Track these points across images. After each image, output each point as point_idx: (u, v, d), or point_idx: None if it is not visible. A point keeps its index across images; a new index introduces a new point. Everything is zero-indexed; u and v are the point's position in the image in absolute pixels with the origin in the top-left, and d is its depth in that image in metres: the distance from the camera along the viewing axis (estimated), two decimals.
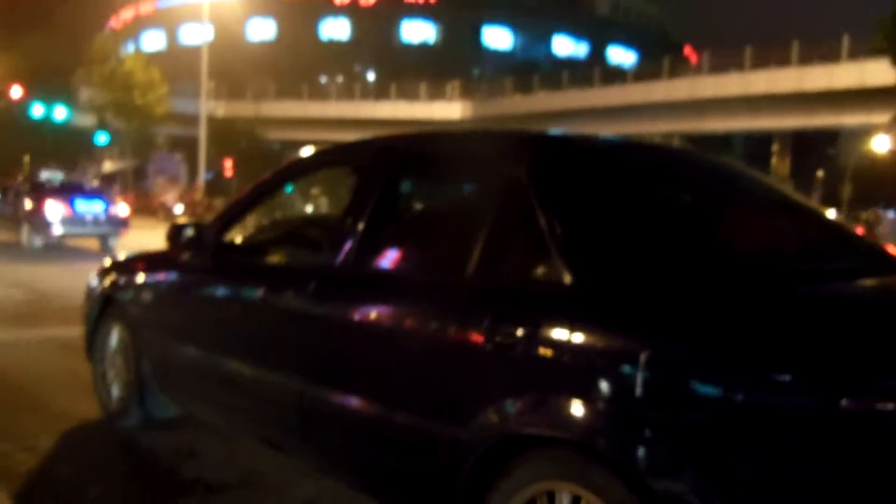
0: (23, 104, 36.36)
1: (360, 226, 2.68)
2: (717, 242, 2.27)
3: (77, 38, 40.23)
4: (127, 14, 62.46)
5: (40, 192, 15.01)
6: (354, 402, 2.51)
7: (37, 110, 34.80)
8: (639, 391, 1.76)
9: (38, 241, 14.11)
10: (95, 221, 14.49)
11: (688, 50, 56.32)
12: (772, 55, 32.51)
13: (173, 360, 3.43)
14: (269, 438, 3.01)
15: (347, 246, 2.68)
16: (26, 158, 42.30)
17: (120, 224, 14.73)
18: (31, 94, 35.57)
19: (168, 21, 58.01)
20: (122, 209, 15.07)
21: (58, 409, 4.04)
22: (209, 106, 34.18)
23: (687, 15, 72.73)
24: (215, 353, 3.16)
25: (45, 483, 3.09)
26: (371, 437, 2.47)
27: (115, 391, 3.81)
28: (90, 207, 14.50)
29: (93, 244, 14.66)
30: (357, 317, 2.56)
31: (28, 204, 14.35)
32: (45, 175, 20.87)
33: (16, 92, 37.60)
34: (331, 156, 3.31)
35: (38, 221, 14.03)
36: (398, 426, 2.35)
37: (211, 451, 3.47)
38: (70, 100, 36.36)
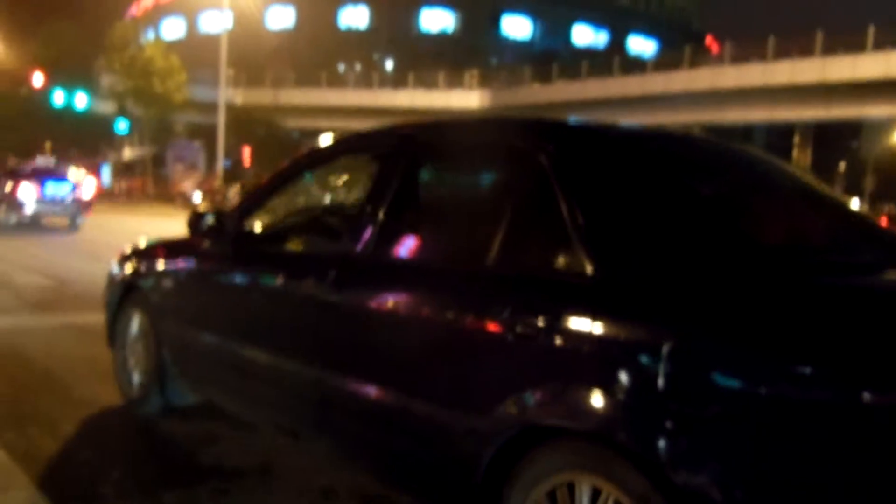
0: (44, 91, 36.70)
1: (380, 214, 2.67)
2: (741, 232, 2.24)
3: (98, 26, 40.43)
4: (147, 1, 62.73)
5: (16, 176, 16.72)
6: (372, 391, 2.51)
7: (58, 97, 35.09)
8: (661, 383, 1.75)
9: (13, 219, 16.08)
10: (62, 203, 16.60)
11: (709, 40, 55.76)
12: (794, 45, 32.10)
13: (193, 347, 3.45)
14: (287, 426, 3.03)
15: (367, 234, 2.68)
16: (48, 145, 42.69)
17: (85, 205, 16.93)
18: (53, 81, 35.87)
19: (188, 8, 58.10)
20: (86, 192, 17.12)
21: (80, 394, 4.09)
22: (228, 94, 34.31)
23: (708, 4, 71.90)
24: (234, 341, 3.18)
25: (68, 467, 3.13)
26: (389, 427, 2.47)
27: (136, 378, 3.84)
28: (58, 190, 16.58)
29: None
30: (376, 305, 2.57)
31: (7, 187, 16.18)
32: (41, 161, 22.53)
33: (38, 79, 37.92)
34: (350, 144, 3.30)
35: (13, 202, 16.00)
36: (417, 416, 2.35)
37: (230, 438, 3.49)
38: (91, 87, 36.64)
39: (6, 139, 41.41)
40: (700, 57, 38.71)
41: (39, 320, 6.19)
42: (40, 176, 16.82)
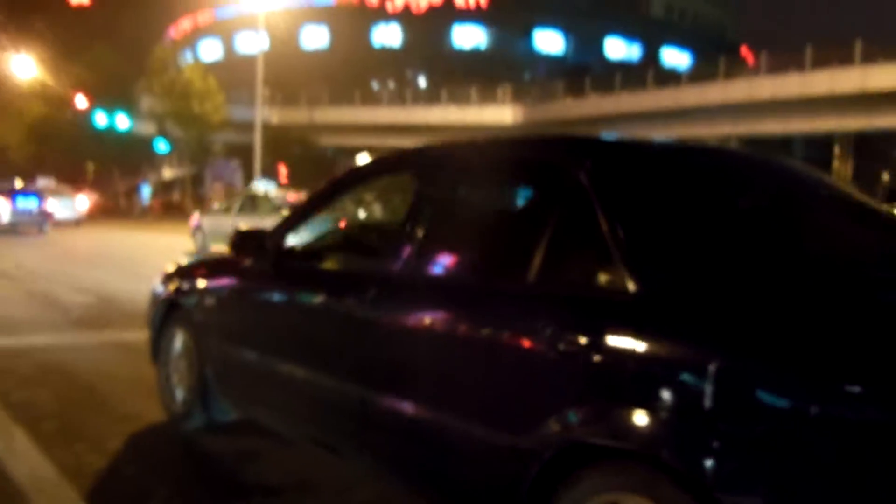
0: (87, 114, 37.76)
1: (420, 232, 2.69)
2: (788, 248, 2.21)
3: (139, 50, 41.48)
4: (185, 24, 64.15)
5: None
6: (413, 408, 2.52)
7: (100, 119, 36.07)
8: (708, 402, 1.73)
9: None
10: (30, 214, 21.99)
11: (744, 51, 55.16)
12: (833, 55, 31.60)
13: (234, 364, 3.50)
14: (328, 443, 3.05)
15: (406, 252, 2.70)
16: (90, 166, 43.80)
17: (48, 216, 22.40)
18: (96, 104, 36.90)
19: (225, 30, 59.35)
20: (49, 206, 22.73)
21: (125, 410, 4.16)
22: (264, 113, 34.83)
23: (743, 16, 71.20)
24: (275, 358, 3.22)
25: (115, 483, 3.19)
26: (431, 445, 2.48)
27: (179, 394, 3.90)
28: (27, 204, 22.03)
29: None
30: (416, 323, 2.58)
31: None
32: (41, 182, 28.49)
33: (81, 102, 39.02)
34: (389, 163, 3.34)
35: None
36: (458, 434, 2.35)
37: (271, 455, 3.52)
38: (132, 109, 37.58)
39: (52, 160, 42.57)
40: (735, 68, 38.32)
41: (87, 337, 6.33)
42: (14, 193, 22.20)
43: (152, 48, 40.30)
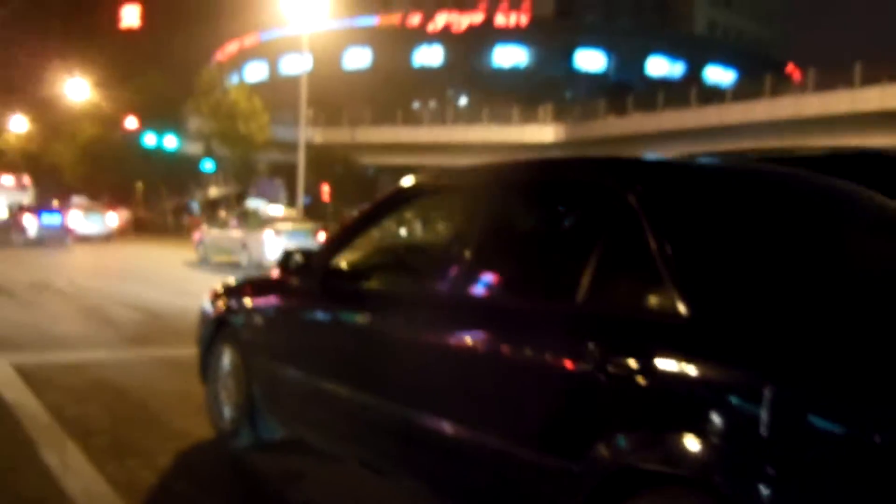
0: (137, 134, 38.84)
1: (466, 253, 2.70)
2: (845, 269, 2.16)
3: (186, 72, 42.54)
4: (232, 47, 65.59)
5: (24, 210, 25.82)
6: (459, 429, 2.51)
7: (149, 140, 37.04)
8: (763, 428, 1.70)
9: (21, 240, 24.30)
10: (54, 229, 24.83)
11: (790, 68, 54.29)
12: (883, 72, 30.91)
13: (281, 382, 3.53)
14: (374, 463, 3.05)
15: (453, 273, 2.71)
16: (139, 185, 44.90)
17: (69, 231, 25.32)
18: (145, 125, 37.96)
19: (270, 52, 60.49)
20: (74, 222, 26.11)
21: (174, 427, 4.23)
22: (308, 133, 35.34)
23: (788, 33, 70.08)
24: (321, 377, 3.24)
25: (166, 499, 3.24)
26: (476, 467, 2.47)
27: (227, 412, 3.95)
28: (51, 221, 25.15)
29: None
30: (462, 344, 2.58)
31: (15, 216, 25.98)
32: (76, 200, 33.36)
33: (131, 123, 40.12)
34: (435, 183, 3.36)
35: (20, 228, 24.82)
36: (505, 456, 2.34)
37: (317, 475, 3.54)
38: (179, 129, 38.51)
39: (103, 179, 43.76)
40: (781, 85, 37.71)
41: (136, 353, 6.46)
42: (39, 210, 25.76)
43: (200, 70, 41.27)
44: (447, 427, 2.56)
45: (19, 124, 59.02)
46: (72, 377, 5.39)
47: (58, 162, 47.22)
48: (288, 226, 17.68)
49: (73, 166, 45.44)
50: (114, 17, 75.47)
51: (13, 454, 3.67)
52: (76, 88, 46.36)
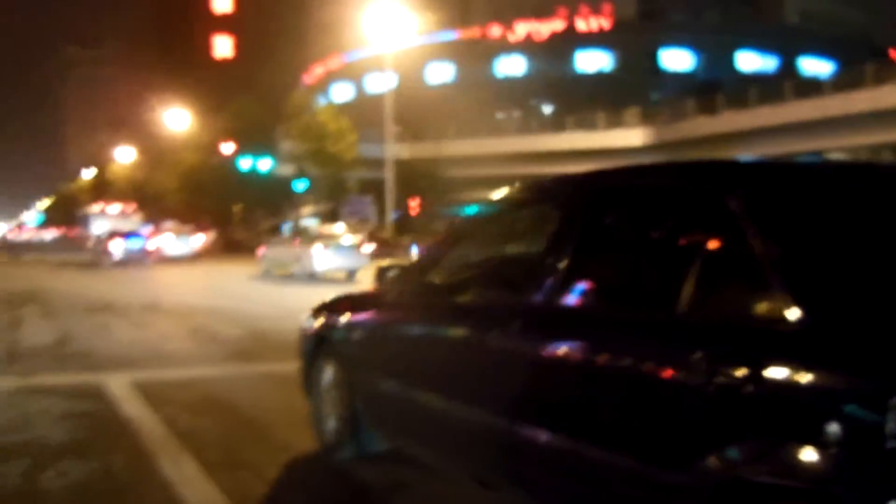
0: (233, 159, 40.56)
1: (563, 263, 2.69)
2: None
3: (276, 96, 44.15)
4: (318, 70, 67.56)
5: (112, 236, 29.34)
6: (564, 442, 2.49)
7: (245, 163, 38.62)
8: (884, 438, 1.62)
9: (108, 262, 27.31)
10: (137, 252, 28.56)
11: (894, 54, 51.39)
12: None
13: (382, 395, 3.59)
14: (477, 475, 3.07)
15: (550, 283, 2.70)
16: (236, 207, 46.72)
17: (149, 253, 29.03)
18: (240, 149, 39.61)
19: (355, 73, 61.91)
20: (149, 246, 29.69)
21: (281, 440, 4.38)
22: (394, 149, 35.96)
23: (889, 18, 66.22)
24: (420, 390, 3.29)
25: None
26: (581, 479, 2.45)
27: (331, 425, 4.04)
28: (135, 244, 29.00)
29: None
30: (562, 356, 2.56)
31: (104, 241, 29.33)
32: (167, 224, 36.23)
33: (227, 148, 41.93)
34: (529, 195, 3.36)
35: (107, 251, 28.27)
36: (612, 468, 2.31)
37: (421, 487, 3.58)
38: (272, 152, 39.97)
39: (203, 203, 45.82)
40: (885, 73, 35.72)
41: (242, 369, 6.73)
42: (125, 235, 29.47)
43: (289, 94, 42.74)
44: (551, 439, 2.54)
45: (126, 155, 62.57)
46: (183, 392, 5.66)
47: (161, 189, 49.85)
48: (335, 241, 19.87)
49: (175, 192, 47.83)
50: (206, 49, 79.19)
51: (136, 466, 3.89)
52: (176, 118, 48.90)
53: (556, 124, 48.45)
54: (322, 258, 18.92)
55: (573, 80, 58.73)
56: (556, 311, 2.66)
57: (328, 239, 19.93)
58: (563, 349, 2.57)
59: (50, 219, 79.94)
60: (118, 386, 5.84)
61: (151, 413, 4.96)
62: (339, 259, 19.19)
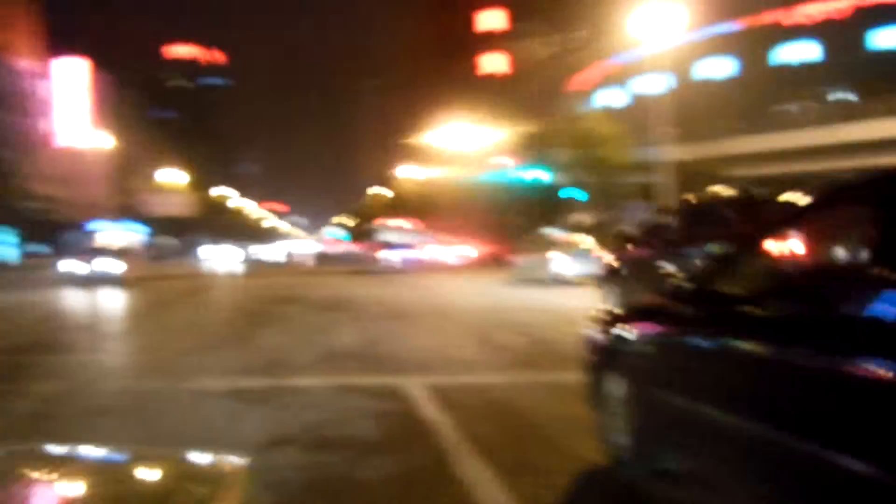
0: (510, 170, 42.28)
1: (886, 272, 2.38)
2: None
3: (546, 106, 44.98)
4: (586, 75, 67.43)
5: (380, 245, 35.85)
6: (884, 475, 2.21)
7: (521, 174, 40.03)
8: None
9: (377, 268, 32.28)
10: (398, 262, 33.61)
11: None
12: None
13: (674, 413, 3.44)
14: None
15: (871, 295, 2.40)
16: (519, 220, 48.45)
17: (412, 264, 33.52)
18: (521, 162, 41.26)
19: (623, 76, 60.69)
20: (422, 255, 35.64)
21: (566, 449, 4.43)
22: (669, 151, 34.68)
23: None
24: (716, 410, 3.09)
25: None
26: None
27: (619, 440, 3.97)
28: (397, 254, 34.51)
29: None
30: (888, 378, 2.27)
31: (375, 251, 35.60)
32: (436, 237, 41.32)
33: (504, 160, 43.79)
34: (838, 196, 3.02)
35: (374, 259, 34.49)
36: None
37: None
38: (547, 161, 40.81)
39: (480, 215, 48.11)
40: None
41: (527, 376, 6.93)
42: (395, 247, 35.41)
43: (558, 103, 43.22)
44: (873, 473, 2.26)
45: (408, 172, 68.05)
46: (473, 397, 5.97)
47: (441, 203, 53.35)
48: (573, 248, 22.07)
49: (453, 206, 50.83)
50: (471, 67, 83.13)
51: (433, 467, 4.17)
52: (453, 135, 52.08)
53: (853, 112, 43.24)
54: (562, 264, 21.02)
55: (870, 61, 51.92)
56: (878, 327, 2.36)
57: (566, 246, 22.14)
58: (885, 370, 2.28)
59: (353, 234, 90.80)
60: (416, 388, 6.33)
61: (445, 416, 5.30)
62: (581, 265, 20.32)
